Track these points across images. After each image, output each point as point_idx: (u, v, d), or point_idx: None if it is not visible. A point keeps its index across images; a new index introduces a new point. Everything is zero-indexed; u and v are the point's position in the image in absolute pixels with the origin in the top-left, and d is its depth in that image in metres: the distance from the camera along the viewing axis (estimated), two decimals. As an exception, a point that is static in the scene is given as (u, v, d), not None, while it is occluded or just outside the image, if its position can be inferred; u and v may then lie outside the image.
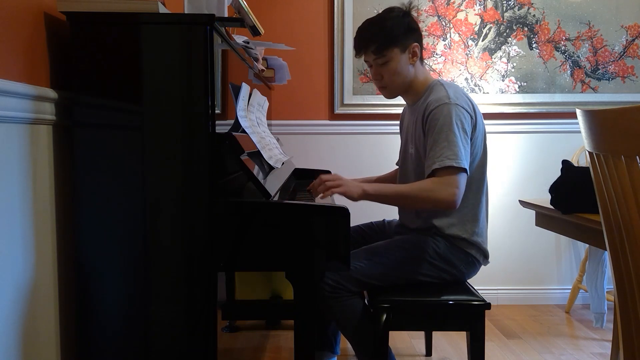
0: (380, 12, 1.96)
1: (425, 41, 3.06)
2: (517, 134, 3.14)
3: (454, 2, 3.06)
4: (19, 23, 1.29)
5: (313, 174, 2.61)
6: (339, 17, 3.03)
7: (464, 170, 1.72)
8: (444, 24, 3.07)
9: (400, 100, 2.02)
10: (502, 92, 3.10)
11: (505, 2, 3.07)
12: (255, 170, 1.60)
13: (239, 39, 1.95)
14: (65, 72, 1.47)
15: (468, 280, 1.93)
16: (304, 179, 2.58)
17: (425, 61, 3.05)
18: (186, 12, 1.59)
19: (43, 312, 1.39)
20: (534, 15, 3.08)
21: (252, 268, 1.59)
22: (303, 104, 3.10)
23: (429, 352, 2.42)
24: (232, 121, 1.68)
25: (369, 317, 1.78)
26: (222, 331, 2.68)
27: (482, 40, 3.08)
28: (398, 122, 2.18)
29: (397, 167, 2.22)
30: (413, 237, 1.88)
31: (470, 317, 1.75)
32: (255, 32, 1.76)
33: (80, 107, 1.42)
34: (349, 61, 3.04)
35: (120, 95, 1.42)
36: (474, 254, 1.86)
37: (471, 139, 1.80)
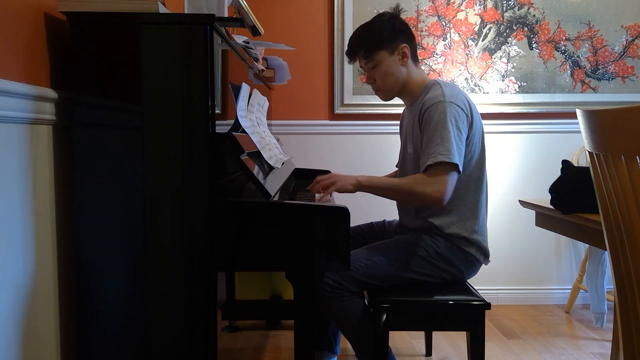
0: (378, 12, 1.98)
1: (425, 41, 3.06)
2: (517, 134, 3.14)
3: (454, 2, 3.06)
4: (19, 23, 1.29)
5: (313, 174, 2.60)
6: (339, 17, 3.03)
7: (456, 166, 1.73)
8: (444, 24, 3.07)
9: (399, 100, 2.02)
10: (502, 92, 3.10)
11: (505, 2, 3.07)
12: (255, 170, 1.60)
13: (239, 39, 1.95)
14: (65, 72, 1.47)
15: (468, 280, 1.93)
16: (304, 179, 2.57)
17: (425, 61, 3.06)
18: (186, 12, 1.59)
19: (43, 312, 1.39)
20: (534, 15, 3.08)
21: (252, 268, 1.59)
22: (303, 104, 3.10)
23: (429, 352, 2.42)
24: (232, 121, 1.68)
25: (369, 317, 1.78)
26: (222, 331, 2.68)
27: (482, 40, 3.08)
28: (398, 122, 2.18)
29: (397, 168, 2.24)
30: (413, 237, 1.88)
31: (470, 317, 1.75)
32: (255, 32, 1.76)
33: (80, 107, 1.42)
34: (347, 59, 3.04)
35: (120, 95, 1.42)
36: (473, 253, 1.86)
37: (468, 138, 1.81)
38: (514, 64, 3.09)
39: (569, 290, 3.09)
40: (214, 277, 1.49)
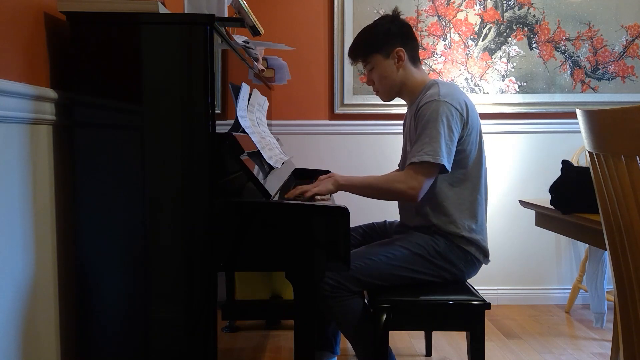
0: (378, 12, 2.00)
1: (425, 41, 3.06)
2: (517, 134, 3.14)
3: (454, 2, 3.06)
4: (19, 23, 1.29)
5: (313, 174, 2.61)
6: (339, 17, 3.03)
7: (440, 166, 1.74)
8: (444, 24, 3.07)
9: (400, 100, 2.03)
10: (502, 92, 3.10)
11: (505, 2, 3.07)
12: (255, 170, 1.60)
13: (239, 39, 1.96)
14: (65, 72, 1.47)
15: (468, 280, 1.93)
16: (304, 179, 2.58)
17: (425, 61, 3.06)
18: (186, 12, 1.59)
19: (43, 312, 1.39)
20: (534, 15, 3.08)
21: (252, 268, 1.59)
22: (303, 104, 3.10)
23: (429, 352, 2.42)
24: (232, 121, 1.68)
25: (369, 317, 1.78)
26: (222, 331, 2.68)
27: (482, 40, 3.08)
28: (397, 122, 2.20)
29: (398, 168, 2.24)
30: (413, 236, 1.88)
31: (470, 317, 1.75)
32: (255, 32, 1.76)
33: (80, 107, 1.42)
34: (349, 61, 3.04)
35: (120, 95, 1.42)
36: (473, 253, 1.86)
37: (462, 137, 1.81)
38: (514, 64, 3.09)
39: (569, 290, 3.10)
40: (214, 277, 1.49)
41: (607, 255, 1.25)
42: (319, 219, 1.47)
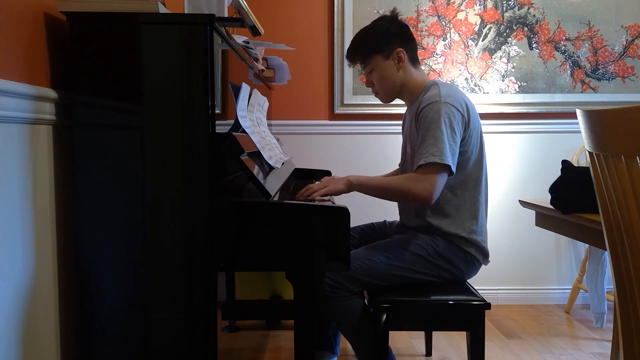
0: (378, 12, 1.99)
1: (425, 41, 3.06)
2: (517, 134, 3.14)
3: (454, 2, 3.06)
4: (19, 23, 1.29)
5: (313, 174, 2.61)
6: (339, 17, 3.03)
7: (447, 167, 1.73)
8: (444, 24, 3.07)
9: (399, 100, 2.03)
10: (502, 92, 3.10)
11: (505, 2, 3.07)
12: (255, 170, 1.60)
13: (239, 39, 1.95)
14: (65, 72, 1.47)
15: (468, 280, 1.93)
16: (304, 179, 2.58)
17: (425, 61, 3.06)
18: (186, 12, 1.59)
19: (43, 312, 1.39)
20: (534, 15, 3.08)
21: (252, 268, 1.59)
22: (303, 104, 3.10)
23: (429, 352, 2.42)
24: (232, 121, 1.68)
25: (369, 317, 1.78)
26: (222, 331, 2.68)
27: (482, 40, 3.08)
28: (397, 122, 2.19)
29: (394, 170, 2.25)
30: (412, 236, 1.88)
31: (470, 317, 1.75)
32: (255, 32, 1.76)
33: (80, 107, 1.42)
34: (347, 63, 3.04)
35: (120, 95, 1.42)
36: (473, 253, 1.86)
37: (464, 138, 1.81)
38: (514, 64, 3.09)
39: (569, 290, 3.09)
40: (214, 277, 1.49)
41: (607, 255, 1.25)
42: (319, 219, 1.47)
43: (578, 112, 1.14)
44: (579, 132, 1.17)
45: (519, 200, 1.91)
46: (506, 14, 3.08)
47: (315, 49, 3.08)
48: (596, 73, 3.11)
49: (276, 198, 1.66)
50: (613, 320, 2.22)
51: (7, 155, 1.24)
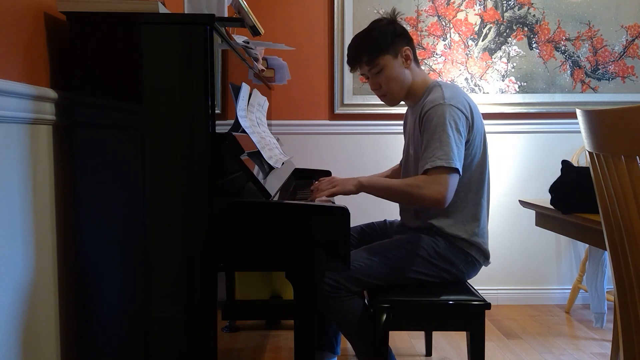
0: (378, 12, 1.97)
1: (425, 41, 3.06)
2: (517, 134, 3.14)
3: (454, 2, 3.06)
4: (19, 23, 1.29)
5: (313, 174, 2.61)
6: (339, 17, 3.03)
7: (456, 170, 1.72)
8: (444, 24, 3.07)
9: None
10: (502, 92, 3.10)
11: (505, 2, 3.07)
12: (255, 170, 1.60)
13: (239, 39, 1.95)
14: (65, 72, 1.47)
15: (468, 280, 1.93)
16: (304, 179, 2.58)
17: (425, 61, 3.06)
18: (186, 12, 1.59)
19: (43, 312, 1.39)
20: (534, 15, 3.08)
21: (252, 268, 1.59)
22: (303, 104, 3.10)
23: (429, 352, 2.42)
24: (232, 121, 1.68)
25: (369, 317, 1.78)
26: (222, 331, 2.68)
27: (482, 40, 3.08)
28: (398, 121, 2.19)
29: (395, 165, 2.24)
30: (413, 236, 1.88)
31: (470, 317, 1.75)
32: (255, 32, 1.76)
33: (80, 107, 1.42)
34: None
35: (120, 95, 1.42)
36: (473, 255, 1.86)
37: (468, 140, 1.80)
38: (514, 64, 3.09)
39: (569, 290, 3.09)
40: (214, 277, 1.49)
41: (607, 255, 1.25)
42: (319, 219, 1.47)
43: (578, 112, 1.14)
44: (579, 132, 1.17)
45: (519, 200, 1.91)
46: (506, 14, 3.08)
47: (315, 49, 3.08)
48: (596, 73, 3.11)
49: (276, 198, 1.66)
50: (613, 320, 2.22)
51: (7, 155, 1.24)
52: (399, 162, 2.26)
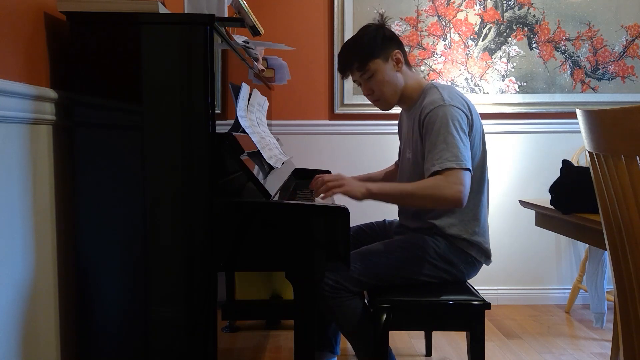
0: (378, 12, 1.98)
1: (425, 41, 3.06)
2: (517, 134, 3.14)
3: (454, 2, 3.06)
4: (19, 23, 1.29)
5: (313, 174, 2.60)
6: (339, 17, 3.03)
7: (467, 169, 1.71)
8: (444, 24, 3.07)
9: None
10: (502, 92, 3.10)
11: (505, 2, 3.07)
12: (255, 170, 1.60)
13: (239, 39, 1.95)
14: (65, 72, 1.47)
15: (468, 280, 1.93)
16: (304, 179, 2.58)
17: (425, 61, 3.06)
18: (186, 12, 1.59)
19: (43, 312, 1.39)
20: (534, 15, 3.08)
21: (252, 268, 1.59)
22: (303, 104, 3.10)
23: (429, 352, 2.42)
24: (232, 121, 1.68)
25: (369, 317, 1.78)
26: (222, 331, 2.68)
27: (482, 40, 3.08)
28: (397, 122, 2.18)
29: (390, 166, 2.24)
30: (413, 237, 1.88)
31: (470, 317, 1.75)
32: (255, 32, 1.76)
33: (81, 107, 1.42)
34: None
35: (120, 95, 1.42)
36: (474, 255, 1.86)
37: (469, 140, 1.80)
38: (514, 64, 3.09)
39: (569, 290, 3.09)
40: (214, 277, 1.49)
41: (607, 255, 1.25)
42: (319, 219, 1.47)
43: (578, 112, 1.14)
44: (579, 132, 1.17)
45: (519, 200, 1.91)
46: (506, 14, 3.08)
47: (315, 49, 3.08)
48: (596, 73, 3.11)
49: (276, 198, 1.66)
50: (613, 320, 2.22)
51: (7, 155, 1.24)
52: (393, 163, 2.25)
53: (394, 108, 2.00)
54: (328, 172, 2.55)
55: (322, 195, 1.76)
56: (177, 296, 1.46)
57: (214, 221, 1.44)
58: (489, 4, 3.07)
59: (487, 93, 3.09)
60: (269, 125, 2.46)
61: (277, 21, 3.06)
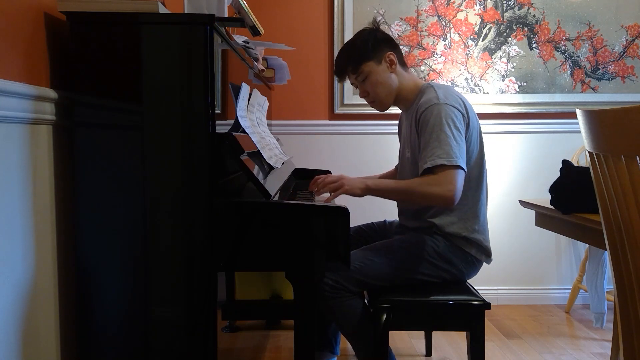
0: (378, 12, 1.98)
1: (425, 41, 3.06)
2: (517, 134, 3.14)
3: (454, 2, 3.06)
4: (19, 23, 1.29)
5: (313, 174, 2.60)
6: (339, 17, 3.03)
7: (460, 167, 1.72)
8: (444, 24, 3.07)
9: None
10: (502, 92, 3.10)
11: (505, 2, 3.07)
12: (255, 170, 1.60)
13: (239, 39, 1.96)
14: (65, 72, 1.47)
15: (468, 280, 1.93)
16: (304, 179, 2.57)
17: (425, 61, 3.06)
18: (186, 12, 1.59)
19: (43, 312, 1.39)
20: (534, 15, 3.08)
21: (252, 268, 1.59)
22: (303, 104, 3.10)
23: (429, 352, 2.42)
24: (232, 121, 1.68)
25: (369, 317, 1.78)
26: (222, 331, 2.68)
27: (482, 40, 3.08)
28: (397, 122, 2.18)
29: (391, 169, 2.25)
30: (412, 236, 1.88)
31: (470, 317, 1.75)
32: (255, 32, 1.76)
33: (80, 107, 1.42)
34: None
35: (120, 95, 1.42)
36: (473, 254, 1.86)
37: (465, 137, 1.80)
38: (514, 64, 3.09)
39: (569, 290, 3.09)
40: (214, 277, 1.49)
41: (607, 255, 1.25)
42: (319, 219, 1.47)
43: (578, 112, 1.14)
44: (579, 132, 1.17)
45: (519, 200, 1.91)
46: (506, 14, 3.08)
47: (315, 49, 3.08)
48: (596, 73, 3.11)
49: (276, 198, 1.66)
50: (613, 320, 2.22)
51: (7, 155, 1.24)
52: (394, 167, 2.26)
53: (392, 108, 2.01)
54: (328, 172, 2.54)
55: (326, 198, 1.78)
56: (177, 296, 1.46)
57: (214, 221, 1.44)
58: (489, 4, 3.07)
59: (487, 93, 3.09)
60: (269, 125, 2.46)
61: (277, 21, 3.06)
